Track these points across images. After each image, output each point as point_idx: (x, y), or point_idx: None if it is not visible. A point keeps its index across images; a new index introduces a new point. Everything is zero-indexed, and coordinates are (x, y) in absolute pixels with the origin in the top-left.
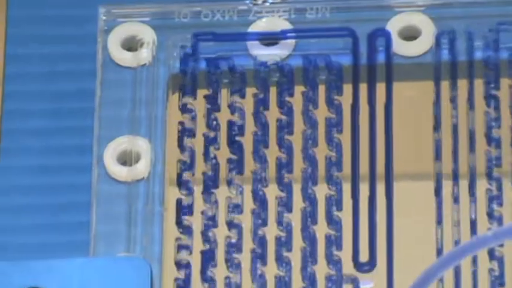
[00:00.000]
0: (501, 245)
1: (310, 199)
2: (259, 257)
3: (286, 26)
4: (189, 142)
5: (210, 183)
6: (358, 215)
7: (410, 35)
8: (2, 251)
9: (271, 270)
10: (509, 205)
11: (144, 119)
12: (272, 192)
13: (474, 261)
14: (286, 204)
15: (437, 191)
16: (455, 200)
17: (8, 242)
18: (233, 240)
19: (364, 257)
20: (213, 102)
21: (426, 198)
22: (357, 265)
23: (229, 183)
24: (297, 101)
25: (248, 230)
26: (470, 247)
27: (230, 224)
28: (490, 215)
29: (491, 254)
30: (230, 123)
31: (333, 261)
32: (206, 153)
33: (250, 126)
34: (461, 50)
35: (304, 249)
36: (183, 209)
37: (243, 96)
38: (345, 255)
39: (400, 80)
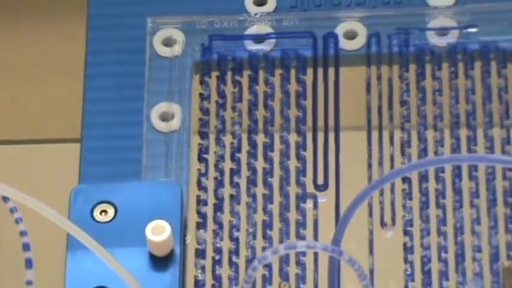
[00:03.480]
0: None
1: (285, 143)
2: (252, 181)
3: (270, 30)
4: (206, 106)
5: (220, 133)
6: (317, 153)
7: (351, 36)
8: (86, 178)
9: (259, 190)
10: (415, 147)
11: (176, 91)
12: (260, 139)
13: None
14: (269, 147)
15: (368, 138)
16: (380, 144)
17: (90, 172)
18: (235, 167)
19: (320, 181)
20: (221, 80)
21: (360, 143)
22: (316, 186)
23: (232, 133)
24: (276, 79)
25: (245, 164)
26: (391, 175)
27: (233, 159)
28: (403, 153)
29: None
30: (233, 94)
31: (300, 184)
32: (217, 113)
33: (245, 96)
34: (384, 46)
35: (281, 176)
36: (202, 150)
37: (241, 76)
38: (308, 179)
39: (344, 65)
